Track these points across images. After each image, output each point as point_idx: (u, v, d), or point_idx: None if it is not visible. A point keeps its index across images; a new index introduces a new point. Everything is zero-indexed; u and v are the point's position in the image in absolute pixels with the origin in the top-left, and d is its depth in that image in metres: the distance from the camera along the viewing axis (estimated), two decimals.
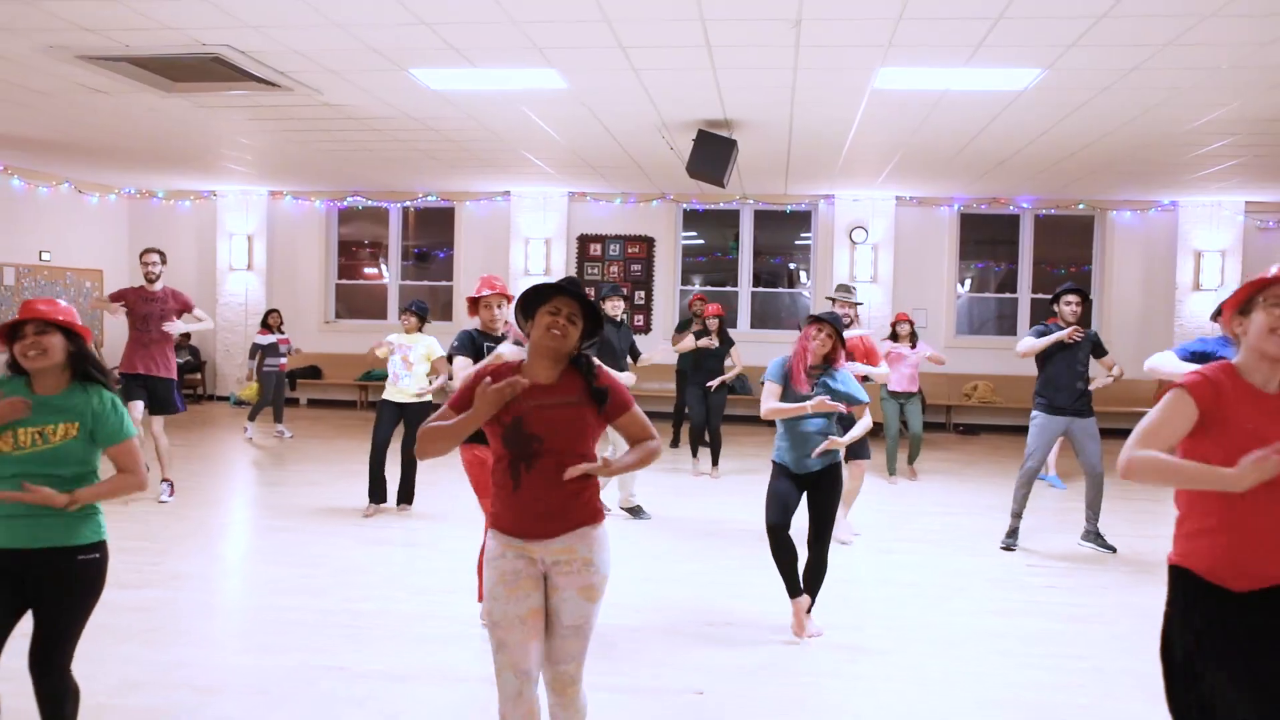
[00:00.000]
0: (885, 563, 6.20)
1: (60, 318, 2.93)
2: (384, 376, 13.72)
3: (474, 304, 5.03)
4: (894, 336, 9.56)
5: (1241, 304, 2.52)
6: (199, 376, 14.64)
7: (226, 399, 14.54)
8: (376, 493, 7.47)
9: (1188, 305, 12.88)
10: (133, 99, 8.38)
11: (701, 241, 14.68)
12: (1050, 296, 6.92)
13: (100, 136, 10.43)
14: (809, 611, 4.71)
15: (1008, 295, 13.91)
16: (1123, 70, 6.61)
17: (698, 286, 14.45)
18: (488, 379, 2.74)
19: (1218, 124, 8.20)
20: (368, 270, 15.36)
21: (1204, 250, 12.79)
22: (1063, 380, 6.58)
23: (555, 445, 2.76)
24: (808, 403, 4.52)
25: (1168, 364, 4.45)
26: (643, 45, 6.43)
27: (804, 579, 4.71)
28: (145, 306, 7.69)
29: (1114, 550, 6.58)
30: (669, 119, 8.63)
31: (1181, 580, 2.52)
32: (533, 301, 2.86)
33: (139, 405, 7.47)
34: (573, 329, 2.83)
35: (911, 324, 9.65)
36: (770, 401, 4.67)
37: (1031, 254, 13.68)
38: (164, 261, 7.99)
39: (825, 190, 13.30)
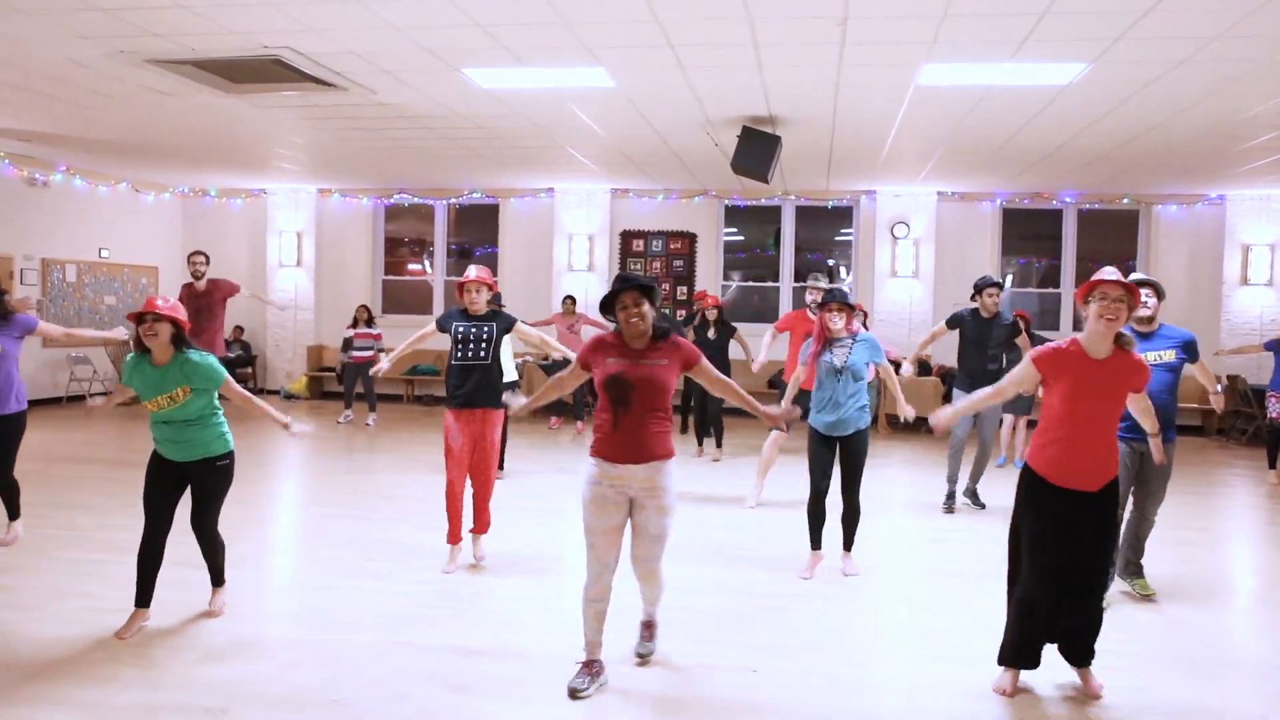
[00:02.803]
0: (932, 551, 6.30)
1: (165, 312, 4.29)
2: (430, 371, 14.19)
3: (460, 288, 5.63)
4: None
5: (1085, 295, 3.73)
6: (250, 370, 15.00)
7: (277, 392, 14.88)
8: None
9: (1235, 300, 12.75)
10: (194, 100, 8.66)
11: (742, 238, 14.76)
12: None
13: (159, 137, 10.74)
14: (849, 550, 5.68)
15: (1050, 290, 13.84)
16: (1170, 64, 6.63)
17: (738, 282, 14.56)
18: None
19: (1268, 116, 8.15)
20: (412, 266, 15.63)
21: (1252, 244, 12.67)
22: (972, 365, 7.43)
23: (642, 395, 3.78)
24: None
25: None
26: (691, 44, 6.56)
27: (843, 524, 5.64)
28: (194, 303, 8.77)
29: (984, 506, 7.55)
30: (714, 115, 8.74)
31: (1028, 475, 3.87)
32: (609, 304, 3.85)
33: None
34: (641, 310, 3.79)
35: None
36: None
37: (1075, 249, 13.60)
38: (208, 262, 9.25)
39: (867, 186, 13.34)
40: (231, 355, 13.81)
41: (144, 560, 4.40)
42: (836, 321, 5.56)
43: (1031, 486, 3.84)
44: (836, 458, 5.57)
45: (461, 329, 5.55)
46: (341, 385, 12.67)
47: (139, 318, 4.32)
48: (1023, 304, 14.16)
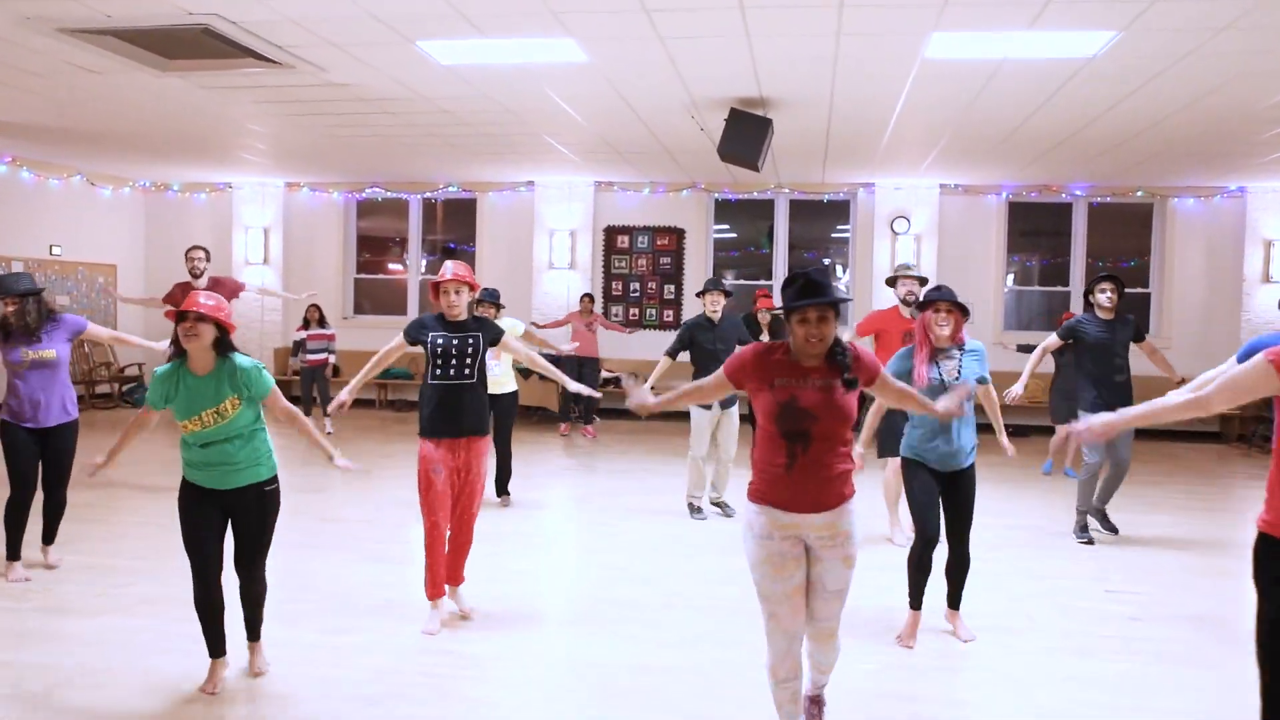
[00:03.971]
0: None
1: (209, 311, 3.66)
2: (404, 375, 13.41)
3: (435, 289, 4.68)
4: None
5: None
6: None
7: None
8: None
9: (1256, 298, 12.03)
10: (128, 79, 7.88)
11: (734, 235, 14.02)
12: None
13: (105, 123, 9.98)
14: (957, 608, 4.61)
15: (1058, 289, 13.10)
16: (1213, 30, 5.86)
17: (730, 281, 13.80)
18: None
19: None
20: (393, 266, 14.87)
21: (1274, 239, 11.94)
22: (1098, 376, 6.55)
23: (826, 426, 3.03)
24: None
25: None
26: (669, 8, 5.79)
27: (948, 577, 4.57)
28: None
29: (1116, 531, 6.71)
30: (699, 97, 7.99)
31: (1266, 545, 2.72)
32: (787, 309, 3.08)
33: None
34: (825, 327, 3.05)
35: None
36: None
37: (1085, 245, 12.85)
38: (208, 258, 8.34)
39: (865, 178, 12.59)
40: None
41: (204, 608, 3.80)
42: (944, 327, 4.44)
43: (1275, 560, 2.72)
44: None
45: (440, 341, 4.58)
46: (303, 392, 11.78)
47: (179, 316, 3.69)
48: (1026, 303, 13.45)
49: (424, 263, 14.52)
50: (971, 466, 4.49)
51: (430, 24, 6.26)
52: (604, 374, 12.94)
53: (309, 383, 11.39)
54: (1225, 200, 12.24)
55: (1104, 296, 6.51)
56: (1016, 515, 7.31)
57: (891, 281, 6.63)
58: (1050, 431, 11.96)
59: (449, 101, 8.56)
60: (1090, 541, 6.57)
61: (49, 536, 5.53)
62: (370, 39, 6.61)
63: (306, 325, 11.59)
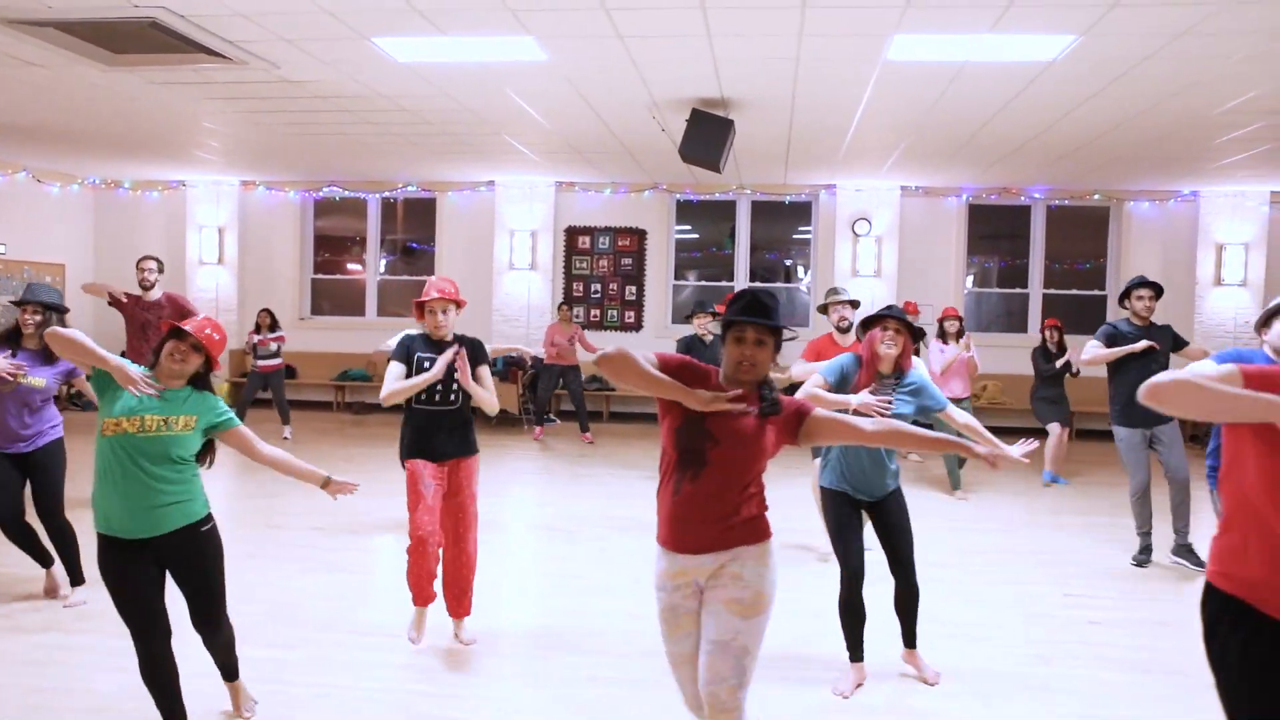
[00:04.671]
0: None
1: (205, 340, 3.37)
2: (361, 376, 13.20)
3: (419, 308, 4.44)
4: (942, 335, 8.81)
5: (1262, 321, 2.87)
6: None
7: None
8: None
9: (1209, 301, 12.20)
10: (72, 73, 7.63)
11: (696, 236, 13.97)
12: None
13: (51, 118, 9.68)
14: (914, 647, 4.21)
15: (1018, 290, 13.21)
16: (1171, 35, 5.89)
17: (691, 282, 13.76)
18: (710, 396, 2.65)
19: (1254, 104, 7.52)
20: (352, 266, 14.64)
21: (1226, 243, 12.10)
22: (1130, 390, 6.00)
23: (727, 453, 2.67)
24: (852, 398, 3.96)
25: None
26: (629, 7, 5.70)
27: (898, 612, 4.17)
28: (143, 315, 7.61)
29: (1203, 565, 6.08)
30: (660, 97, 7.91)
31: (1214, 601, 2.36)
32: (725, 324, 2.79)
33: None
34: (762, 353, 2.73)
35: (960, 320, 8.97)
36: (812, 389, 4.04)
37: (1043, 247, 12.97)
38: (161, 270, 7.88)
39: (826, 180, 12.60)
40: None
41: (154, 680, 3.30)
42: (890, 347, 4.00)
43: (1228, 618, 2.32)
44: (866, 525, 4.16)
45: (427, 364, 4.31)
46: (269, 394, 11.14)
47: (173, 330, 3.35)
48: (986, 305, 13.54)
49: (383, 263, 14.33)
50: (897, 491, 4.10)
51: (385, 20, 6.12)
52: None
53: (254, 388, 11.00)
54: (1179, 204, 12.40)
55: (1141, 305, 6.14)
56: (974, 520, 7.31)
57: (823, 309, 6.43)
58: (1017, 434, 12.07)
59: (407, 100, 8.40)
60: (1142, 565, 6.15)
61: (72, 575, 5.10)
62: (323, 35, 6.45)
63: (258, 330, 11.27)
